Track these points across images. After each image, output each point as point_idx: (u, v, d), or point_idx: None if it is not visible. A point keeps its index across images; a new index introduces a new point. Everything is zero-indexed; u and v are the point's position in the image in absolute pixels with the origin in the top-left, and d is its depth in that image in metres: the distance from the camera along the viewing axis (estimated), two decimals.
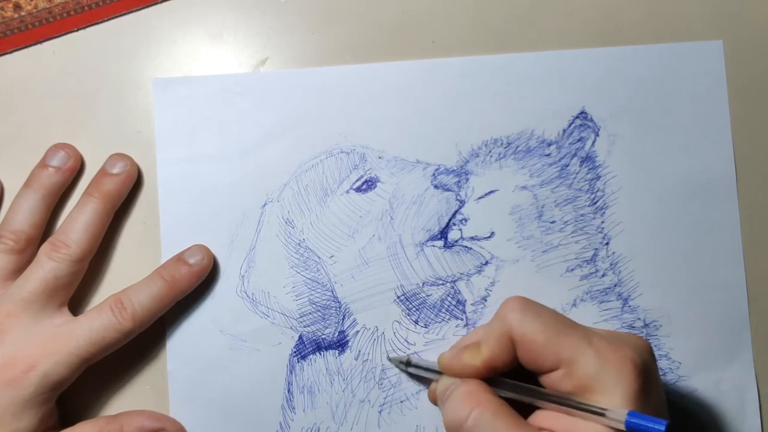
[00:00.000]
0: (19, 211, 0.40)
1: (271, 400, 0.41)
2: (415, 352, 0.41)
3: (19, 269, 0.39)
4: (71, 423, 0.38)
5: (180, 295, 0.40)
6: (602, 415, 0.31)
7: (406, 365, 0.40)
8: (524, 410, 0.34)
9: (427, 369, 0.39)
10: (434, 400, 0.38)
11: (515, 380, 0.35)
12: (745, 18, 0.43)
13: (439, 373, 0.37)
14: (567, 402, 0.33)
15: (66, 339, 0.37)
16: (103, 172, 0.41)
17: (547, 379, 0.34)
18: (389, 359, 0.41)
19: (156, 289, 0.39)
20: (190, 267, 0.40)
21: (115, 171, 0.41)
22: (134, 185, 0.42)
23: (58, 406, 0.40)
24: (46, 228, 0.41)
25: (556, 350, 0.33)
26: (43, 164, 0.41)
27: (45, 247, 0.39)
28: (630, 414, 0.31)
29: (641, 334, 0.41)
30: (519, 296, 0.35)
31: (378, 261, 0.41)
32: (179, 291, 0.40)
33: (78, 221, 0.39)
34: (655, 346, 0.41)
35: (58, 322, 0.38)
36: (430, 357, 0.41)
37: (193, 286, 0.40)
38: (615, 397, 0.32)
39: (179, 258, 0.40)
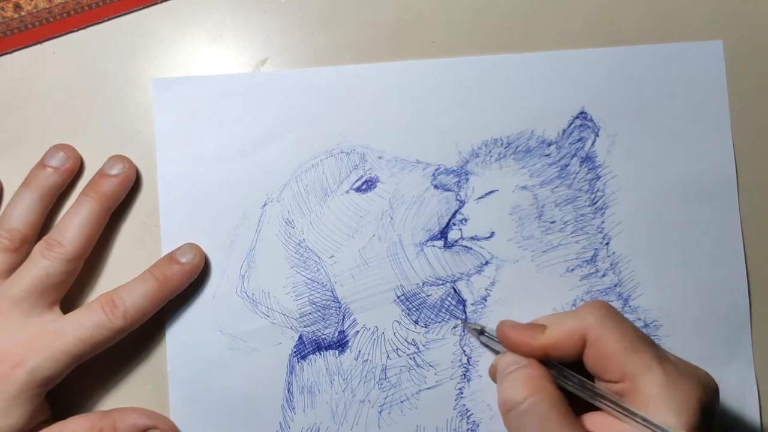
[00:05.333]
0: (16, 210, 0.40)
1: (271, 400, 0.41)
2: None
3: (12, 268, 0.39)
4: None
5: (172, 293, 0.40)
6: None
7: (479, 333, 0.39)
8: (576, 408, 0.34)
9: (497, 341, 0.38)
10: (493, 376, 0.38)
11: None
12: (745, 18, 0.43)
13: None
14: (631, 414, 0.32)
15: (55, 335, 0.37)
16: (101, 173, 0.41)
17: (604, 387, 0.34)
18: (463, 323, 0.40)
19: (147, 287, 0.39)
20: (181, 266, 0.40)
21: (113, 172, 0.41)
22: (134, 185, 0.42)
23: (58, 406, 0.40)
24: (43, 228, 0.41)
25: (625, 363, 0.33)
26: (42, 164, 0.41)
27: (39, 246, 0.39)
28: None
29: None
30: (604, 301, 0.35)
31: (378, 261, 0.41)
32: (171, 290, 0.40)
33: (73, 221, 0.39)
34: None
35: (47, 319, 0.38)
36: (433, 356, 0.41)
37: (185, 285, 0.40)
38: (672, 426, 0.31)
39: (171, 257, 0.40)
